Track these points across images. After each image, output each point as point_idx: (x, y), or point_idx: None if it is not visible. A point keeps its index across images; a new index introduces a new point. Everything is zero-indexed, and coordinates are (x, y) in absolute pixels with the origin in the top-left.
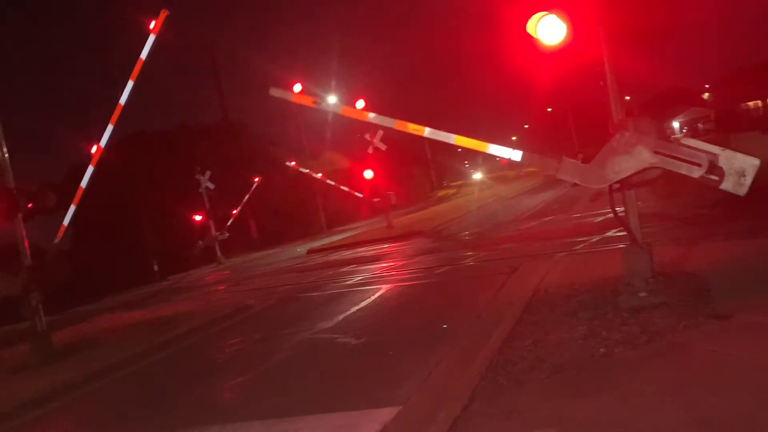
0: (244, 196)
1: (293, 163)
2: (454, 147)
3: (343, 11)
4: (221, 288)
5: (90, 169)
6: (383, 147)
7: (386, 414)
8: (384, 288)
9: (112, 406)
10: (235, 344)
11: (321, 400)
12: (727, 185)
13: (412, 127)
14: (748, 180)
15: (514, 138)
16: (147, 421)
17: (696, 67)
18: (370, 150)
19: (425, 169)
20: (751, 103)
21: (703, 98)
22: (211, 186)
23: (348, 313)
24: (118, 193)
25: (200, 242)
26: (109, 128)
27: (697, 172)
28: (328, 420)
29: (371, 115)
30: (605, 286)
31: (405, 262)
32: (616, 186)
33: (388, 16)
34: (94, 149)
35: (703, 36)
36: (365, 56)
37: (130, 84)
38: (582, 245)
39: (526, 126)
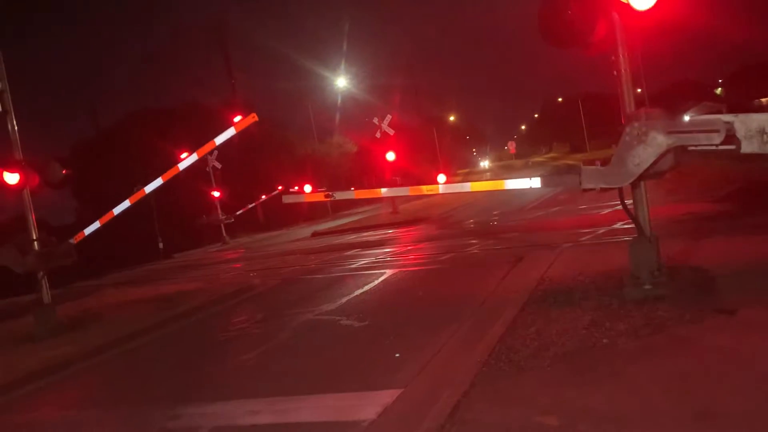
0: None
1: (296, 187)
2: (462, 134)
3: None
4: (225, 267)
5: (126, 203)
6: (391, 132)
7: (387, 396)
8: (388, 272)
9: (114, 380)
10: (238, 323)
11: (323, 380)
12: (751, 147)
13: (426, 189)
14: None
15: (523, 127)
16: (148, 396)
17: (709, 61)
18: (378, 135)
19: (432, 156)
20: (764, 100)
21: (715, 93)
22: (218, 165)
23: (351, 296)
24: (125, 168)
25: (204, 217)
26: (159, 181)
27: (717, 138)
28: (330, 400)
29: (384, 190)
30: (610, 277)
31: (410, 247)
32: None
33: None
34: (136, 189)
35: (718, 28)
36: (373, 40)
37: (194, 157)
38: (588, 236)
39: (536, 115)
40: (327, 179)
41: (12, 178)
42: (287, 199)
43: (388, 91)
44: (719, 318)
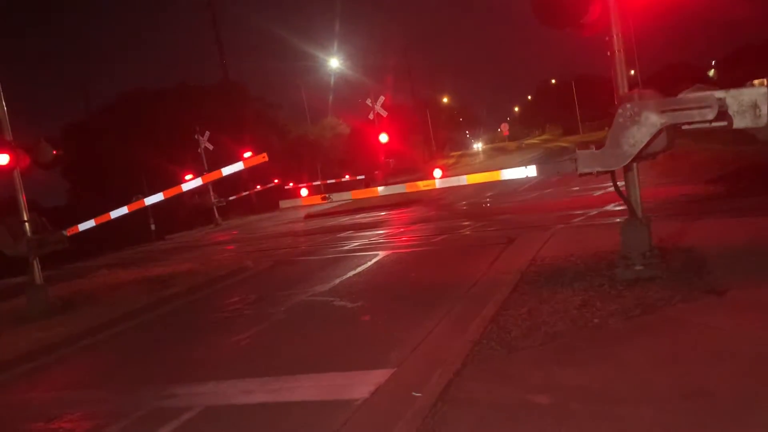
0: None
1: (291, 184)
2: (455, 116)
3: None
4: (218, 249)
5: (124, 209)
6: (384, 113)
7: (380, 376)
8: (381, 254)
9: (107, 360)
10: (232, 304)
11: (316, 360)
12: (744, 122)
13: (423, 184)
14: (764, 110)
15: (516, 109)
16: (141, 375)
17: (702, 42)
18: (371, 116)
19: (425, 138)
20: (756, 82)
21: (708, 75)
22: (210, 147)
23: (344, 277)
24: (116, 150)
25: (196, 197)
26: (160, 196)
27: (710, 114)
28: (323, 379)
29: (380, 189)
30: (602, 258)
31: (402, 229)
32: None
33: None
34: (135, 198)
35: (711, 10)
36: (366, 21)
37: (198, 181)
38: (580, 218)
39: (528, 97)
40: (320, 162)
41: (2, 158)
42: (284, 204)
43: (381, 72)
44: (710, 299)
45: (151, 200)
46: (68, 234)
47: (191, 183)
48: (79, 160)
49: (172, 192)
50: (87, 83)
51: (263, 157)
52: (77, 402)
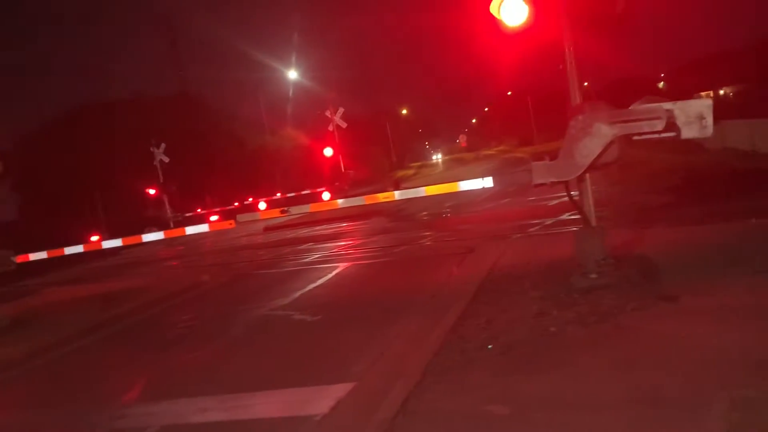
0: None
1: (251, 199)
2: (415, 127)
3: None
4: (174, 264)
5: (80, 248)
6: (344, 125)
7: (340, 390)
8: (341, 266)
9: (58, 381)
10: (188, 320)
11: (276, 376)
12: (691, 132)
13: (383, 196)
14: (709, 120)
15: (474, 120)
16: (95, 396)
17: (651, 55)
18: (331, 128)
19: (385, 149)
20: (703, 94)
21: (658, 87)
22: (166, 159)
23: (304, 290)
24: (68, 163)
25: (152, 210)
26: (119, 242)
27: (659, 125)
28: (283, 395)
29: (340, 201)
30: (558, 267)
31: (363, 241)
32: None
33: None
34: (93, 239)
35: (659, 24)
36: (324, 32)
37: (159, 234)
38: (536, 227)
39: (485, 109)
40: (279, 173)
41: None
42: (242, 218)
43: (340, 84)
44: (662, 305)
45: (108, 244)
46: (18, 261)
47: (152, 235)
48: (31, 173)
49: (131, 240)
50: (40, 95)
51: (230, 224)
52: (27, 424)
